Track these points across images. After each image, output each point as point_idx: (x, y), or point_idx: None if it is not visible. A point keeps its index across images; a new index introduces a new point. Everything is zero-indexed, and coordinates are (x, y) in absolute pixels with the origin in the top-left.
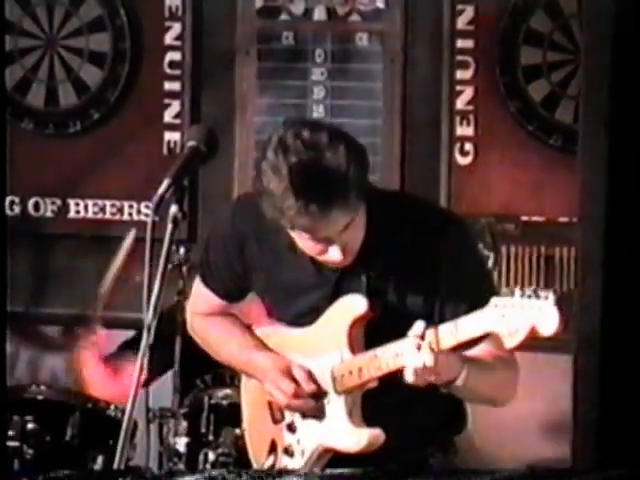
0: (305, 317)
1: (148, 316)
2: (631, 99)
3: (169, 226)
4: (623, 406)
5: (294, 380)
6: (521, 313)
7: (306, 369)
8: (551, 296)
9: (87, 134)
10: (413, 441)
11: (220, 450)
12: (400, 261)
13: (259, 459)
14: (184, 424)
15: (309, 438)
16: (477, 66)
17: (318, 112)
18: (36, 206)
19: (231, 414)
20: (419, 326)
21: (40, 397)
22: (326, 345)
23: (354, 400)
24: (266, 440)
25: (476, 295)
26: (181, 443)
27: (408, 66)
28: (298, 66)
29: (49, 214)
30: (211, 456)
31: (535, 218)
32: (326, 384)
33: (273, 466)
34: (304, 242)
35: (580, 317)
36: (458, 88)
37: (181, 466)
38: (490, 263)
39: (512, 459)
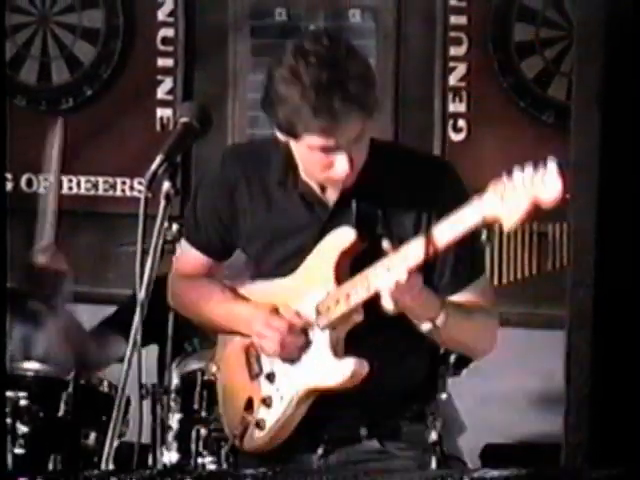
0: (291, 261)
1: (141, 293)
2: (624, 76)
3: (162, 202)
4: (616, 382)
5: (283, 318)
6: (521, 190)
7: (292, 309)
8: (552, 164)
9: (80, 111)
10: (393, 387)
11: (212, 426)
12: (391, 198)
13: (233, 421)
14: (177, 400)
15: (290, 383)
16: (470, 42)
17: None
18: (29, 182)
19: None
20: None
21: (33, 373)
22: (312, 284)
23: (338, 336)
24: (242, 399)
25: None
26: (174, 419)
27: (401, 42)
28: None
29: (42, 190)
30: (203, 432)
31: None
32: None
33: (249, 424)
34: (312, 155)
35: (573, 293)
36: (451, 64)
37: (173, 443)
38: (483, 239)
39: (503, 434)
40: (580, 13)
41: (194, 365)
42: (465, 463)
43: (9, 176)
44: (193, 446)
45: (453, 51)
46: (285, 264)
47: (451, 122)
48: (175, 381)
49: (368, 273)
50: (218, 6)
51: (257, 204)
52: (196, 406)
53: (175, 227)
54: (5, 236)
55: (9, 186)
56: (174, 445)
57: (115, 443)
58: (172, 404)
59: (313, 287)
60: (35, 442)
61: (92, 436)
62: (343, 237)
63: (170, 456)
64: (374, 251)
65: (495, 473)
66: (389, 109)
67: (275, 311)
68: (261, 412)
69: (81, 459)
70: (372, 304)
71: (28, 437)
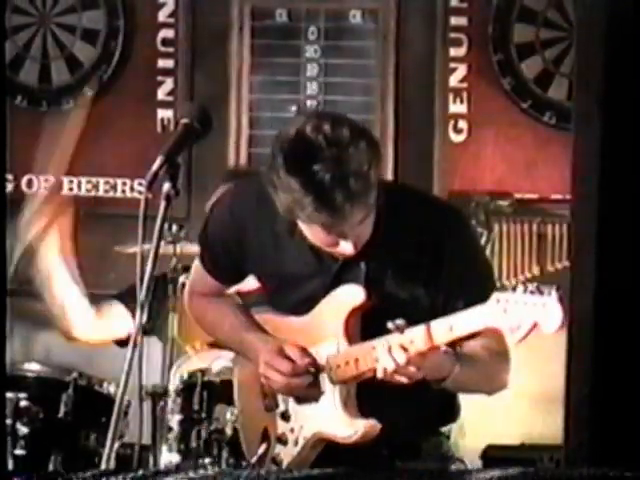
0: (301, 306)
1: (141, 295)
2: (625, 77)
3: (162, 203)
4: (616, 382)
5: (288, 358)
6: (524, 309)
7: (299, 346)
8: (554, 293)
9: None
10: (406, 430)
11: (213, 427)
12: (401, 253)
13: (251, 446)
14: (177, 401)
15: (303, 427)
16: (470, 43)
17: (312, 89)
18: (29, 183)
19: (224, 391)
20: (398, 322)
21: (33, 374)
22: (322, 334)
23: (349, 390)
24: (259, 427)
25: (477, 289)
26: (174, 420)
27: (401, 43)
28: (291, 43)
29: (42, 191)
30: (204, 434)
31: (528, 195)
32: (321, 374)
33: (266, 454)
34: (315, 234)
35: (573, 293)
36: (451, 65)
37: (174, 443)
38: (483, 240)
39: (503, 435)
40: (580, 13)
41: (194, 365)
42: (465, 463)
43: (10, 177)
44: (193, 447)
45: (453, 52)
46: (298, 306)
47: (452, 123)
48: (175, 382)
49: (376, 345)
50: (219, 7)
51: (266, 247)
52: (196, 407)
53: (175, 228)
54: (5, 236)
55: (10, 187)
56: (174, 446)
57: (116, 444)
58: (172, 405)
59: (323, 338)
60: (35, 443)
61: (92, 437)
62: (352, 296)
63: (170, 457)
64: (385, 308)
65: (495, 473)
66: (390, 110)
67: (281, 349)
68: (277, 448)
69: (82, 460)
70: None
71: (28, 438)
